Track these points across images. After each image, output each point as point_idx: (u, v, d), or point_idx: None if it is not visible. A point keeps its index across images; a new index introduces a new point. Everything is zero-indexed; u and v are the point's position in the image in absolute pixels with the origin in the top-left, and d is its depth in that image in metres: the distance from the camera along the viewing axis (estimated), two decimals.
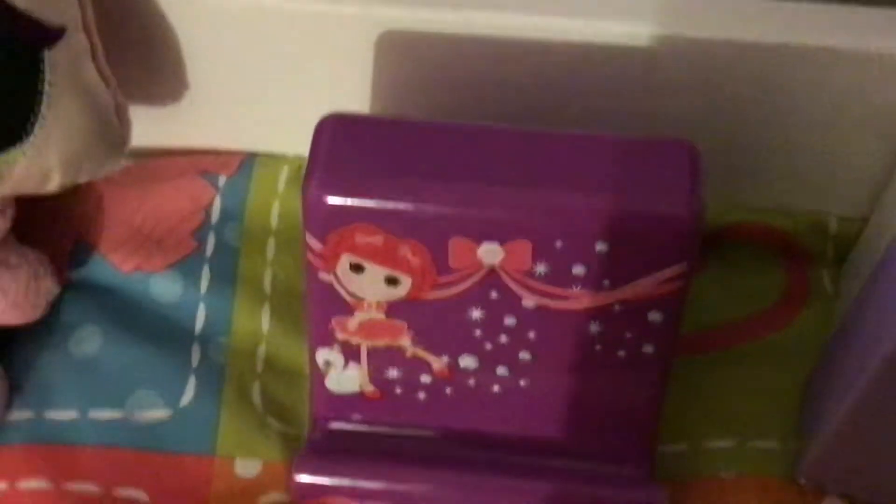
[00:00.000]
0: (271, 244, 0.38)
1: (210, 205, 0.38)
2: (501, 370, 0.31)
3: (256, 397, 0.36)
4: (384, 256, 0.29)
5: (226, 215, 0.38)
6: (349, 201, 0.28)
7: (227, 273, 0.37)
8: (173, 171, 0.39)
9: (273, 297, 0.37)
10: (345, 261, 0.29)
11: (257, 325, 0.37)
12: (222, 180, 0.39)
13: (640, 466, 0.32)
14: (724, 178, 0.37)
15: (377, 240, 0.29)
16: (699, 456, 0.35)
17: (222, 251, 0.38)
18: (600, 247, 0.28)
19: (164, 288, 0.37)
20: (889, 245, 0.31)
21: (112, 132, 0.33)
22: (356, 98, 0.36)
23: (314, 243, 0.29)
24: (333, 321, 0.31)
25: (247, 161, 0.39)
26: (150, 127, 0.36)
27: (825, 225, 0.38)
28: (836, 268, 0.38)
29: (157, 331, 0.36)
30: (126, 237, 0.38)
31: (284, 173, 0.39)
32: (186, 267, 0.37)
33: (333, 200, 0.28)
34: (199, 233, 0.38)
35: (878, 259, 0.34)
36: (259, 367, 0.36)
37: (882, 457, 0.32)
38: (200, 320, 0.37)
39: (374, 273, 0.29)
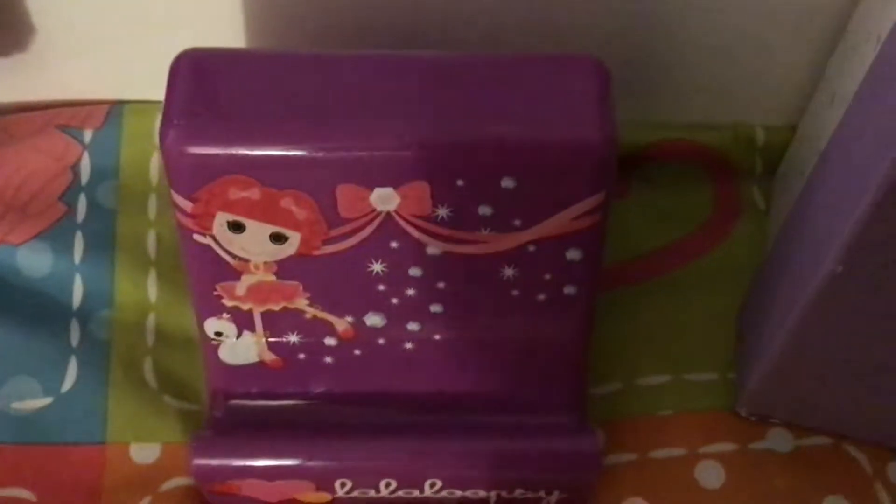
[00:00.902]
0: (152, 201, 0.35)
1: (77, 163, 0.35)
2: (412, 325, 0.29)
3: (149, 375, 0.32)
4: (265, 211, 0.26)
5: (97, 174, 0.35)
6: (215, 151, 0.25)
7: (105, 238, 0.34)
8: (30, 129, 0.35)
9: (159, 260, 0.34)
10: (221, 219, 0.26)
11: (143, 293, 0.33)
12: (88, 135, 0.35)
13: (570, 413, 0.30)
14: (640, 95, 0.35)
15: (254, 193, 0.25)
16: (634, 394, 0.33)
17: (96, 214, 0.34)
18: (506, 183, 0.25)
19: (34, 261, 0.33)
20: (821, 153, 0.29)
21: None
22: (228, 29, 0.32)
23: (183, 203, 0.26)
24: (219, 287, 0.28)
25: (114, 111, 0.35)
26: None
27: (752, 137, 0.36)
28: (767, 181, 0.37)
29: (30, 309, 0.33)
30: None
31: (159, 121, 0.35)
32: (57, 235, 0.34)
33: (197, 151, 0.24)
34: (68, 196, 0.34)
35: (809, 170, 0.31)
36: (149, 340, 0.33)
37: (826, 380, 0.30)
38: (78, 294, 0.33)
39: (257, 231, 0.26)
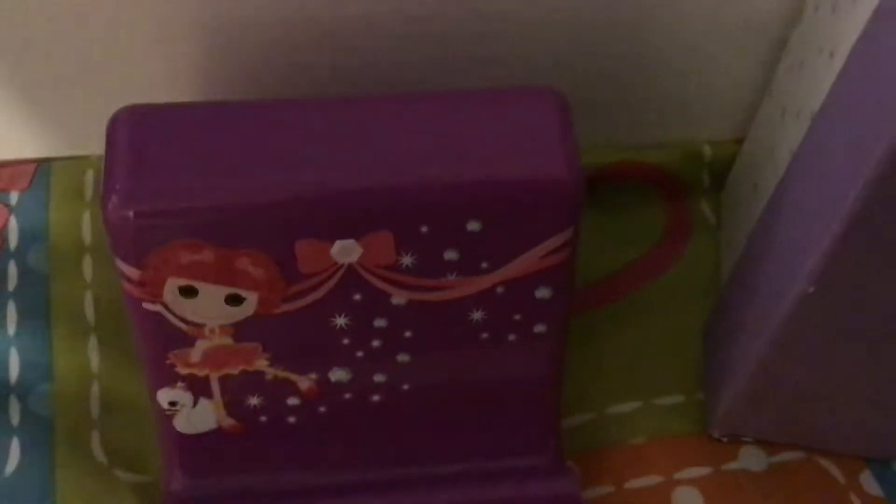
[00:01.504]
0: (87, 263, 0.33)
1: (4, 227, 0.33)
2: (379, 377, 0.27)
3: (97, 449, 0.31)
4: (219, 273, 0.24)
5: (26, 237, 0.33)
6: (163, 214, 0.23)
7: (38, 306, 0.32)
8: None
9: (99, 325, 0.32)
10: (172, 285, 0.24)
11: (84, 362, 0.32)
12: (14, 197, 0.33)
13: (546, 454, 0.29)
14: (586, 118, 0.34)
15: (207, 256, 0.24)
16: (605, 424, 0.33)
17: (28, 281, 0.32)
18: (472, 226, 0.24)
19: None
20: (785, 171, 0.29)
21: None
22: (163, 84, 0.30)
23: (129, 271, 0.24)
24: (171, 355, 0.26)
25: (41, 170, 0.34)
26: None
27: (699, 153, 0.36)
28: (715, 196, 0.37)
29: None
30: None
31: (90, 177, 0.34)
32: None
33: (142, 215, 0.23)
34: None
35: (762, 182, 0.31)
36: (94, 412, 0.31)
37: (798, 398, 0.30)
38: (14, 369, 0.31)
39: (211, 294, 0.25)
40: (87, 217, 0.34)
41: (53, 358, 0.31)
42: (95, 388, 0.31)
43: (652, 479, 0.32)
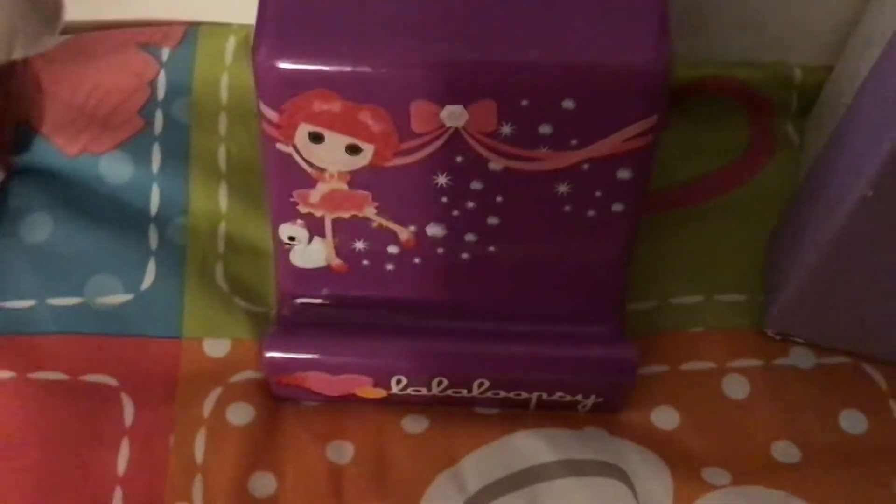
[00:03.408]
0: (223, 119, 0.37)
1: (155, 80, 0.37)
2: (470, 237, 0.31)
3: (220, 278, 0.35)
4: (344, 124, 0.28)
5: (172, 90, 0.37)
6: (303, 66, 0.27)
7: (179, 151, 0.36)
8: (112, 46, 0.37)
9: (229, 174, 0.36)
10: (303, 130, 0.28)
11: (215, 203, 0.36)
12: (166, 53, 0.37)
13: (610, 325, 0.32)
14: (681, 32, 0.36)
15: (335, 106, 0.27)
16: (668, 312, 0.35)
17: (172, 128, 0.36)
18: (567, 104, 0.27)
19: (115, 169, 0.36)
20: (856, 91, 0.31)
21: (45, 3, 0.30)
22: None
23: (269, 113, 0.28)
24: (295, 194, 0.30)
25: (190, 32, 0.37)
26: (82, 0, 0.34)
27: (789, 75, 0.38)
28: (801, 119, 0.38)
29: (111, 214, 0.35)
30: (70, 118, 0.36)
31: (231, 44, 0.37)
32: (136, 146, 0.36)
33: (286, 66, 0.27)
34: (146, 110, 0.36)
35: (846, 108, 0.33)
36: (221, 247, 0.35)
37: (849, 303, 0.32)
38: (155, 201, 0.36)
39: (335, 141, 0.28)
40: (225, 78, 0.37)
41: (189, 197, 0.35)
42: (223, 227, 0.35)
43: (705, 364, 0.34)
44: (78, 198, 0.35)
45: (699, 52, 0.37)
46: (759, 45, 0.37)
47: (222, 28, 0.37)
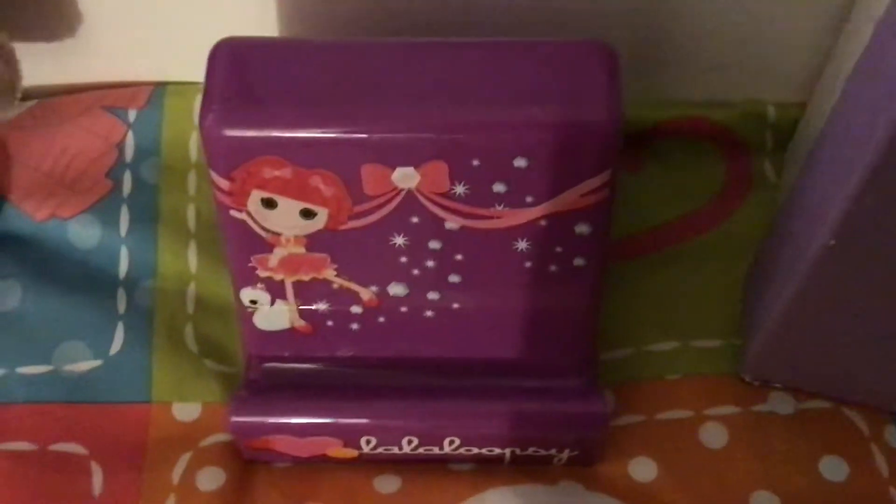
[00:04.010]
0: (192, 178, 0.37)
1: (122, 142, 0.37)
2: (432, 295, 0.31)
3: (190, 339, 0.35)
4: (296, 189, 0.28)
5: (140, 151, 0.37)
6: (250, 133, 0.27)
7: (148, 212, 0.36)
8: (78, 109, 0.37)
9: (198, 233, 0.36)
10: (255, 197, 0.28)
11: (184, 264, 0.36)
12: (132, 114, 0.37)
13: (582, 377, 0.32)
14: (652, 73, 0.36)
15: (286, 172, 0.27)
16: (643, 359, 0.34)
17: (140, 190, 0.36)
18: (519, 162, 0.27)
19: (83, 233, 0.36)
20: (822, 128, 0.30)
21: None
22: (261, 17, 0.34)
23: (220, 181, 0.28)
24: (253, 259, 0.30)
25: (156, 92, 0.37)
26: (47, 64, 0.34)
27: (763, 113, 0.37)
28: (778, 156, 0.38)
29: (80, 279, 0.35)
30: (37, 184, 0.36)
31: (199, 102, 0.37)
32: (104, 209, 0.36)
33: (233, 134, 0.27)
34: (114, 172, 0.36)
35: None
36: (190, 308, 0.35)
37: (825, 346, 0.31)
38: (124, 264, 0.35)
39: (288, 207, 0.28)
40: (194, 137, 0.37)
41: (158, 258, 0.35)
42: (192, 287, 0.35)
43: (682, 413, 0.33)
44: (47, 263, 0.35)
45: (669, 92, 0.37)
46: (731, 84, 0.37)
47: (189, 86, 0.37)
